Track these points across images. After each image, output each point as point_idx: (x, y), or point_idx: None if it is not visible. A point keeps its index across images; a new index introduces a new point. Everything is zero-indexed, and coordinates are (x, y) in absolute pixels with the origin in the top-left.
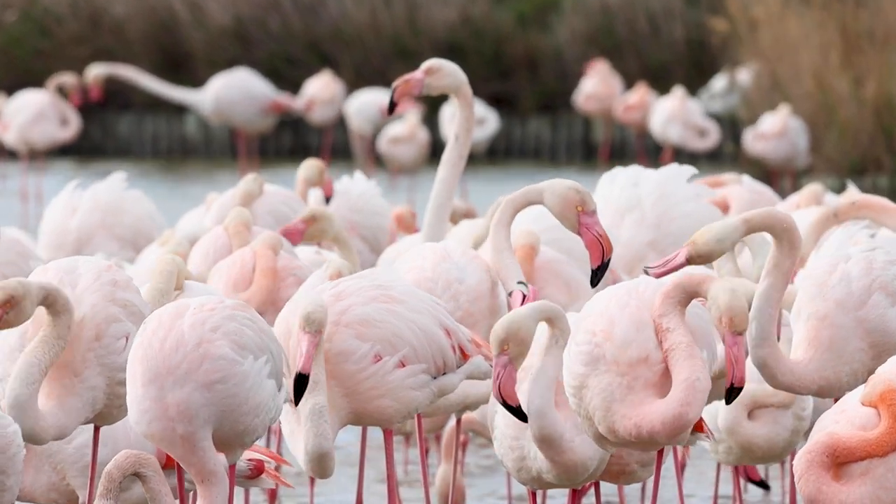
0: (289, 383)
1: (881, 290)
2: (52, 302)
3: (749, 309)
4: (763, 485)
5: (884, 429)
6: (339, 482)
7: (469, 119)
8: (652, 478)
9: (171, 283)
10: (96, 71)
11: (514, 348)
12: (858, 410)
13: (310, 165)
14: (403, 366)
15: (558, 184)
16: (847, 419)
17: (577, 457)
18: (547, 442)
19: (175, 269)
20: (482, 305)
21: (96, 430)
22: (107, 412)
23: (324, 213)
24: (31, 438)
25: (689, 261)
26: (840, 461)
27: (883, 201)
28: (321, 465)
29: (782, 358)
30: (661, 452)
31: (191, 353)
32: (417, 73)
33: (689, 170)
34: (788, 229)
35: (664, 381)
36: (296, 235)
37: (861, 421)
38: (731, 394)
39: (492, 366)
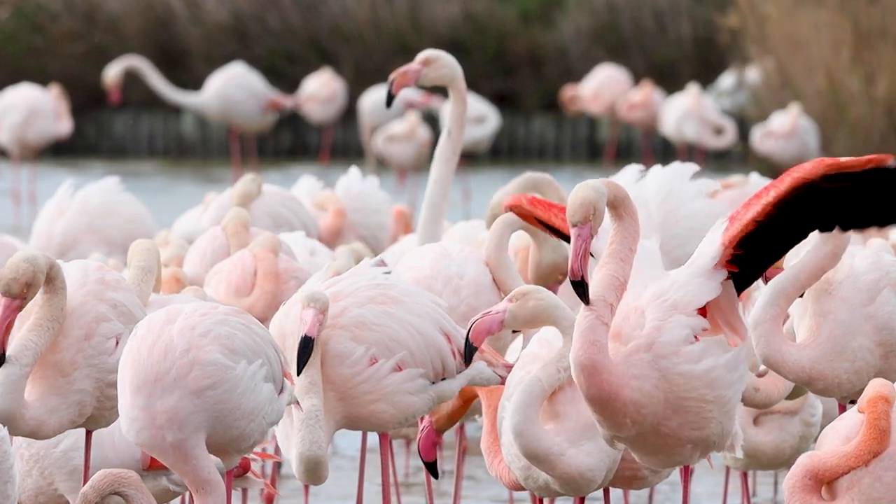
0: (291, 385)
1: (890, 287)
2: (54, 276)
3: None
4: None
5: (862, 437)
6: (337, 487)
7: (462, 114)
8: (659, 484)
9: (151, 260)
10: (113, 72)
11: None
12: (852, 419)
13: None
14: (400, 370)
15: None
16: (838, 428)
17: (570, 469)
18: (533, 457)
19: (155, 247)
20: (484, 300)
21: (88, 433)
22: (98, 415)
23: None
24: (8, 422)
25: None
26: (826, 480)
27: None
28: (313, 472)
29: (779, 333)
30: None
31: (179, 359)
32: (414, 64)
33: (692, 167)
34: None
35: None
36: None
37: (847, 431)
38: (573, 286)
39: (495, 372)
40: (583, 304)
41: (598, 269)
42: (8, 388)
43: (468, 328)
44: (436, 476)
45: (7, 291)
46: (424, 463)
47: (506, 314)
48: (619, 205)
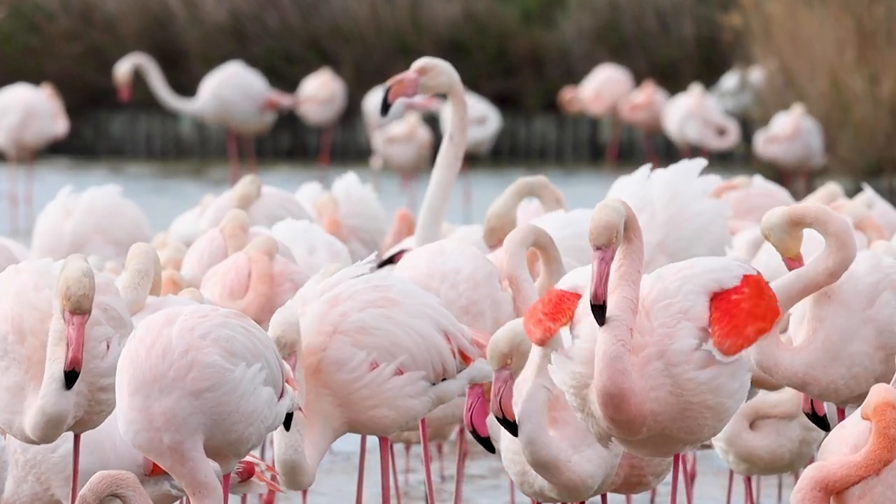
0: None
1: (890, 289)
2: None
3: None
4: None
5: (872, 446)
6: (337, 489)
7: (463, 118)
8: (660, 487)
9: (149, 263)
10: (124, 68)
11: (517, 361)
12: (857, 427)
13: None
14: (401, 373)
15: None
16: (844, 436)
17: (575, 476)
18: (542, 466)
19: (152, 250)
20: (483, 292)
21: (76, 437)
22: (87, 419)
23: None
24: (57, 423)
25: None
26: (835, 491)
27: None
28: (291, 476)
29: (773, 337)
30: (677, 458)
31: (178, 360)
32: (410, 73)
33: (699, 164)
34: (835, 233)
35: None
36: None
37: (854, 439)
38: (593, 310)
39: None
40: (605, 332)
41: (610, 293)
42: (65, 409)
43: (498, 405)
44: (492, 451)
45: (78, 308)
46: (478, 439)
47: (510, 378)
48: (629, 226)
